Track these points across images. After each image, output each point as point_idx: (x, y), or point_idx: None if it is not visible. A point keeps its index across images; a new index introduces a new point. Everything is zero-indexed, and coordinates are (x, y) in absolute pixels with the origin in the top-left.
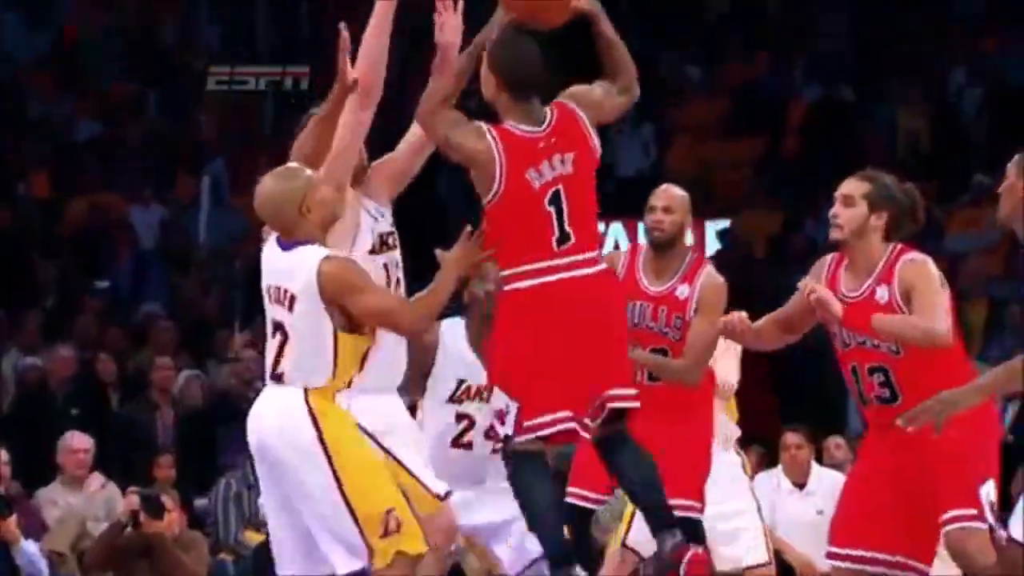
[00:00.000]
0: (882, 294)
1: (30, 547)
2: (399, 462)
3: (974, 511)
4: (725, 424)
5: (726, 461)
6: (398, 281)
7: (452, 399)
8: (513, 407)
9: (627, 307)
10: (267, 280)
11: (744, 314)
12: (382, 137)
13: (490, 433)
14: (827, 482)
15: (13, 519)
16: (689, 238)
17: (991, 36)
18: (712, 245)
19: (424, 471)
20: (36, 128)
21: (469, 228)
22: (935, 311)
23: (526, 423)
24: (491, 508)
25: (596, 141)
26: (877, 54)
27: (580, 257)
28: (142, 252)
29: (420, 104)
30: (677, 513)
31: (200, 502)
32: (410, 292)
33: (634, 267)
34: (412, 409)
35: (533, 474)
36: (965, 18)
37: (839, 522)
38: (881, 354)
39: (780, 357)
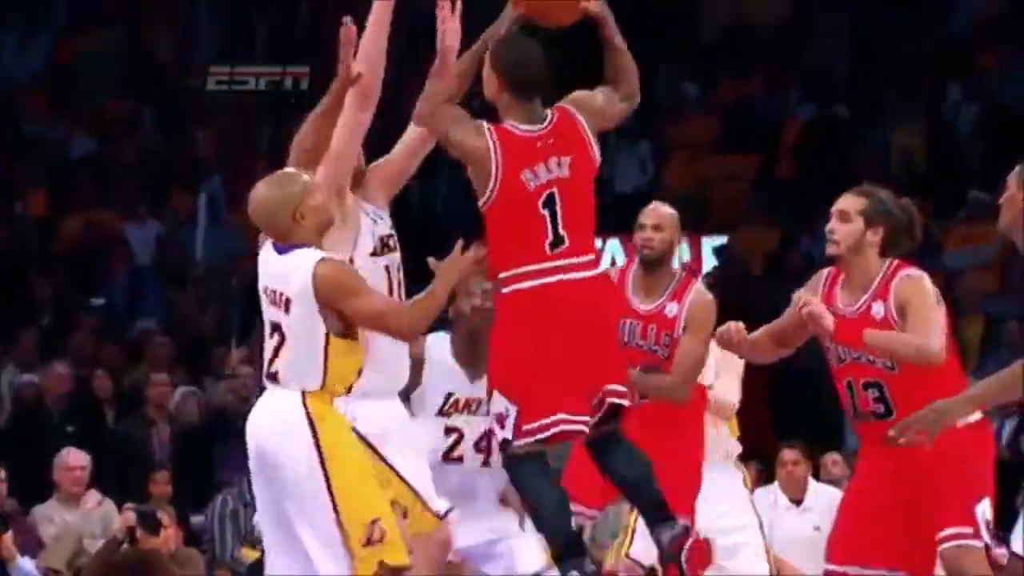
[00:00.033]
0: (878, 310)
1: (26, 564)
2: (401, 477)
3: (970, 529)
4: (726, 440)
5: (727, 476)
6: (399, 283)
7: (441, 412)
8: (512, 411)
9: (618, 323)
10: (264, 282)
11: (741, 324)
12: (378, 139)
13: (480, 446)
14: (824, 498)
15: (9, 536)
16: (686, 254)
17: (986, 54)
18: (709, 262)
19: (426, 488)
20: (32, 146)
21: (462, 241)
22: (929, 328)
23: (525, 426)
24: (483, 529)
25: (596, 149)
26: (872, 72)
27: (574, 260)
28: (138, 269)
29: (421, 103)
30: None
31: (196, 519)
32: (410, 294)
33: (624, 285)
34: None
35: (534, 474)
36: (960, 36)
37: (836, 538)
38: (876, 370)
39: (777, 373)
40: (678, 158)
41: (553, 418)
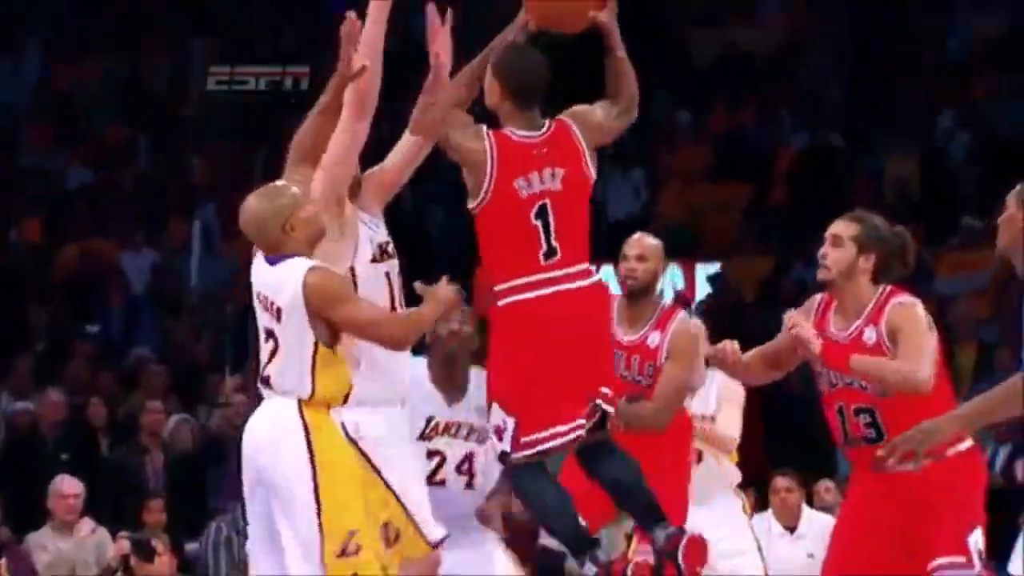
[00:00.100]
0: (870, 335)
1: None
2: (399, 500)
3: (963, 559)
4: (728, 470)
5: (727, 503)
6: (399, 289)
7: (422, 437)
8: (510, 423)
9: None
10: (256, 288)
11: (736, 344)
12: (373, 148)
13: (462, 468)
14: (817, 525)
15: (3, 564)
16: (679, 281)
17: (978, 82)
18: (702, 289)
19: (422, 512)
20: (27, 175)
21: (448, 277)
22: (919, 355)
23: (523, 439)
24: (467, 551)
25: (591, 165)
26: (865, 100)
27: (568, 271)
28: (133, 297)
29: (417, 113)
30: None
31: (191, 546)
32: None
33: None
34: None
35: (534, 479)
36: (953, 64)
37: (830, 565)
38: (868, 395)
39: (770, 400)
40: (671, 186)
41: (551, 431)
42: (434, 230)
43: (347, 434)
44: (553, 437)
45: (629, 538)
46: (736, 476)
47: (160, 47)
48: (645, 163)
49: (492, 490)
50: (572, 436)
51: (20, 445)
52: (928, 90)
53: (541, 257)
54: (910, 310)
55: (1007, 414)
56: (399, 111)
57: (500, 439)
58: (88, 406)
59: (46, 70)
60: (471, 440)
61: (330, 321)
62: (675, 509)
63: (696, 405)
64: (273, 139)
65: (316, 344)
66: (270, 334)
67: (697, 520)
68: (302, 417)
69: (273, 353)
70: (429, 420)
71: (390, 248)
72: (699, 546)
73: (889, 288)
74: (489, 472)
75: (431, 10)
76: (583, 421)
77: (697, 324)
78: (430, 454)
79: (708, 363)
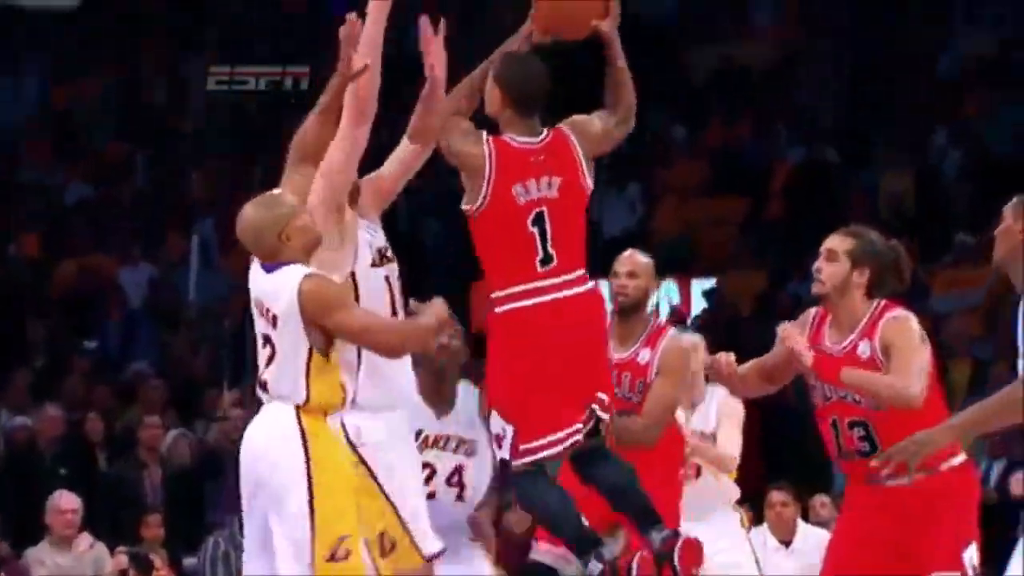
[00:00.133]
0: (864, 349)
1: None
2: (396, 511)
3: (958, 574)
4: (728, 487)
5: (725, 518)
6: (399, 292)
7: None
8: (509, 431)
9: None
10: (254, 294)
11: (731, 356)
12: (372, 154)
13: (452, 480)
14: (813, 540)
15: None
16: (675, 296)
17: (971, 100)
18: (698, 304)
19: (418, 526)
20: (26, 190)
21: (443, 299)
22: (909, 370)
23: (522, 447)
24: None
25: (588, 175)
26: (860, 116)
27: (565, 278)
28: (131, 311)
29: (420, 120)
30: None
31: (189, 561)
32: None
33: None
34: None
35: (535, 483)
36: (946, 83)
37: None
38: (862, 409)
39: (765, 415)
40: (667, 201)
41: (549, 438)
42: (429, 241)
43: (348, 439)
44: (552, 444)
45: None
46: (735, 492)
47: (160, 60)
48: (641, 178)
49: (481, 501)
50: (570, 442)
51: (18, 460)
52: (921, 107)
53: (537, 264)
54: (903, 324)
55: (1002, 423)
56: (398, 118)
57: (499, 447)
58: (86, 421)
59: (45, 87)
60: (460, 453)
61: (325, 328)
62: (667, 520)
63: (696, 421)
64: (271, 154)
65: (311, 351)
66: (267, 340)
67: (694, 534)
68: (300, 424)
69: (270, 358)
70: (418, 433)
71: (389, 252)
72: (694, 548)
73: (884, 303)
74: (479, 484)
75: (424, 21)
76: (580, 426)
77: (691, 339)
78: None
79: (708, 379)
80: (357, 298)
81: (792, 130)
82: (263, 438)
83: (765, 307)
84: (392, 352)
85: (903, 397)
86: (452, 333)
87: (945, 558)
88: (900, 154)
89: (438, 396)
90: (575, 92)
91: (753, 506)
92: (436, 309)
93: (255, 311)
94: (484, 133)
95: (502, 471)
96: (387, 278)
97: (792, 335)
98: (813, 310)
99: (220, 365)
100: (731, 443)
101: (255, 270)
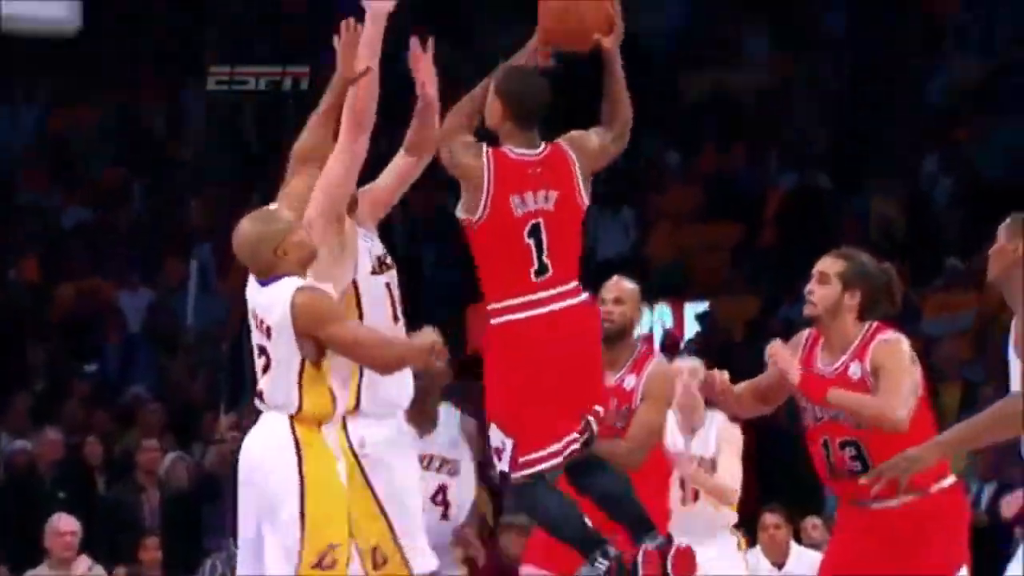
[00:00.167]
0: (855, 371)
1: None
2: (390, 526)
3: None
4: (726, 512)
5: (722, 541)
6: (399, 299)
7: None
8: (508, 444)
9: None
10: (250, 306)
11: (725, 374)
12: (371, 164)
13: (436, 499)
14: (806, 562)
15: None
16: (668, 321)
17: (961, 126)
18: (691, 328)
19: (412, 542)
20: (25, 214)
21: (436, 328)
22: (897, 392)
23: (522, 459)
24: None
25: (584, 191)
26: (851, 142)
27: (560, 289)
28: (130, 336)
29: (416, 133)
30: None
31: None
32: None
33: None
34: None
35: (535, 491)
36: (936, 109)
37: None
38: (853, 429)
39: (758, 437)
40: (661, 226)
41: (548, 450)
42: (427, 265)
43: (351, 448)
44: (551, 456)
45: None
46: (732, 517)
47: (158, 87)
48: (634, 203)
49: (466, 520)
50: (568, 452)
51: (18, 484)
52: (912, 133)
53: (532, 275)
54: (894, 347)
55: (992, 439)
56: (395, 129)
57: (499, 459)
58: (85, 444)
59: (44, 114)
60: (443, 472)
61: (318, 340)
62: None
63: (696, 446)
64: (268, 181)
65: (303, 362)
66: (262, 351)
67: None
68: (294, 434)
69: (265, 368)
70: None
71: (388, 259)
72: (687, 556)
73: (876, 325)
74: (463, 503)
75: (414, 43)
76: (577, 436)
77: (690, 364)
78: None
79: (708, 403)
80: (360, 306)
81: (785, 156)
82: (259, 448)
83: (757, 332)
84: (385, 367)
85: (889, 419)
86: (437, 354)
87: None
88: (892, 180)
89: (421, 416)
90: (575, 104)
91: (746, 528)
92: (427, 335)
93: (251, 322)
94: (484, 145)
95: (502, 483)
96: (387, 285)
97: (780, 353)
98: (806, 332)
99: (218, 389)
100: (731, 475)
101: (252, 283)
